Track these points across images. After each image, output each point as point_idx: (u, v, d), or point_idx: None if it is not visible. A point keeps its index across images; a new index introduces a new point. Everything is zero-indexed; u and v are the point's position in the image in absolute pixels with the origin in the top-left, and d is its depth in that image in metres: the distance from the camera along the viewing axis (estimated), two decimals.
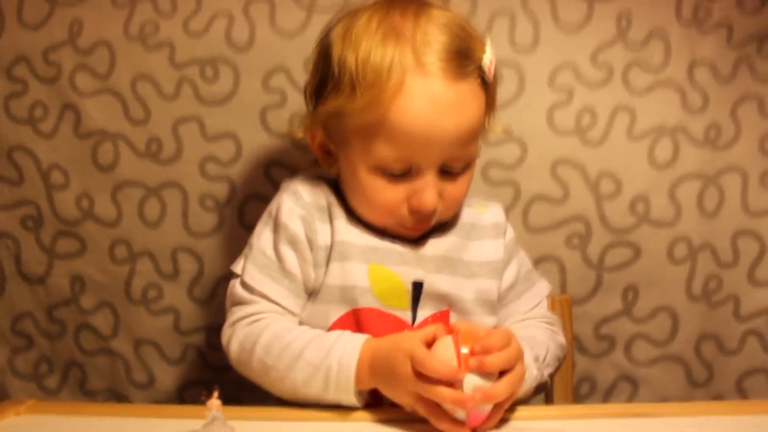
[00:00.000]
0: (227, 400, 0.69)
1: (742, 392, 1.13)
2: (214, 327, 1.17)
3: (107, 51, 1.13)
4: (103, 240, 1.16)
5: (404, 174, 0.83)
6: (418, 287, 0.85)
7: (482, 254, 0.89)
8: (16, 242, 1.18)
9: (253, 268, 0.85)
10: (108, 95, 1.14)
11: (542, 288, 0.95)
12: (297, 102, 1.11)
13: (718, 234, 1.12)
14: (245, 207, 1.14)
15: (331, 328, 0.83)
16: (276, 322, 0.82)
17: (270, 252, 0.86)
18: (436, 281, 0.86)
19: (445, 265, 0.87)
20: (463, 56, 0.81)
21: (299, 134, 0.90)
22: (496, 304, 0.89)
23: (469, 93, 0.81)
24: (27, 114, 1.15)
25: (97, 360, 1.18)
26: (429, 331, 0.74)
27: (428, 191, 0.82)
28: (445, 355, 0.70)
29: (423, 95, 0.79)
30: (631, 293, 1.13)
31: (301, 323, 0.85)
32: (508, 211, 1.12)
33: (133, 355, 1.17)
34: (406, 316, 0.85)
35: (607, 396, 1.15)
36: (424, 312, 0.86)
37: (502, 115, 1.09)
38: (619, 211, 1.12)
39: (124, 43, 1.13)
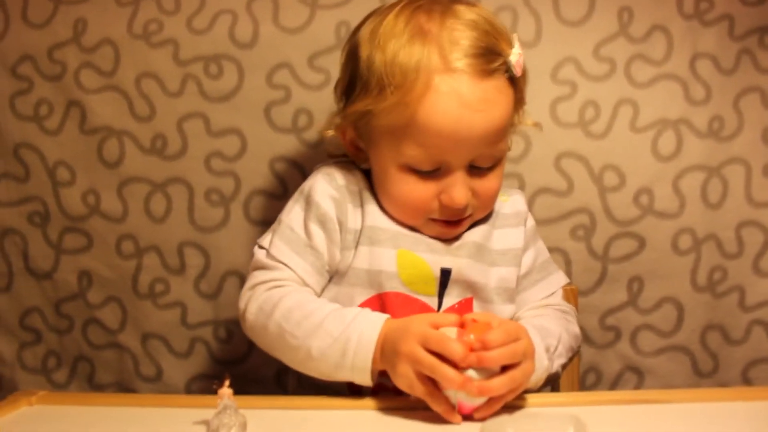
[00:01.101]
0: (234, 393, 0.70)
1: (747, 382, 1.14)
2: (220, 321, 1.17)
3: (112, 49, 1.14)
4: (110, 235, 1.16)
5: (434, 172, 0.83)
6: (446, 274, 0.86)
7: (504, 242, 0.90)
8: (23, 238, 1.18)
9: (280, 242, 0.86)
10: (113, 92, 1.15)
11: (558, 279, 0.95)
12: (301, 98, 1.13)
13: (723, 225, 1.13)
14: (250, 202, 1.15)
15: None
16: (298, 291, 0.82)
17: (298, 228, 0.86)
18: (464, 269, 0.86)
19: (474, 252, 0.87)
20: (490, 53, 0.81)
21: (330, 133, 0.91)
22: (514, 292, 0.90)
23: (496, 90, 0.81)
24: (32, 111, 1.16)
25: (105, 354, 1.19)
26: (440, 318, 0.74)
27: (458, 188, 0.83)
28: None
29: (450, 94, 0.79)
30: (636, 284, 1.14)
31: None
32: None
33: (140, 349, 1.18)
34: (432, 302, 0.86)
35: (613, 386, 1.15)
36: (450, 299, 0.86)
37: None
38: (624, 203, 1.13)
39: (128, 41, 1.14)
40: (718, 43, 1.11)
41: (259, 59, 1.13)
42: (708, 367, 1.15)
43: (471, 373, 0.70)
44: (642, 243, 1.13)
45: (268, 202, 1.14)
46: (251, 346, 1.16)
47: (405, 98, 0.79)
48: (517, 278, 0.90)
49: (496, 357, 0.70)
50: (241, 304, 0.84)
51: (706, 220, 1.13)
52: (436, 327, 0.73)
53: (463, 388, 0.69)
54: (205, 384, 1.17)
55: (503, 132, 0.84)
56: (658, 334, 1.15)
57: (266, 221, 1.13)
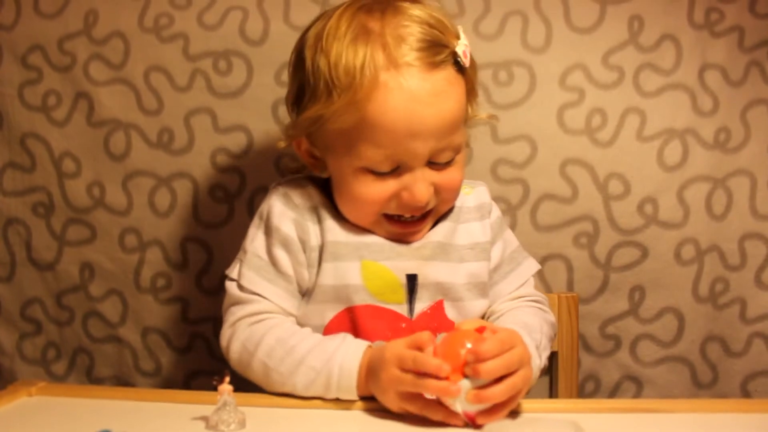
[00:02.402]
0: (234, 390, 0.70)
1: (746, 394, 1.13)
2: (221, 317, 1.16)
3: (122, 42, 1.14)
4: (114, 228, 1.17)
5: (392, 171, 0.82)
6: (412, 280, 0.85)
7: (470, 236, 0.89)
8: (27, 228, 1.18)
9: (249, 272, 0.85)
10: (121, 85, 1.15)
11: (528, 267, 0.94)
12: None
13: (726, 236, 1.13)
14: (255, 199, 1.15)
15: (327, 327, 0.84)
16: (280, 325, 0.82)
17: (264, 255, 0.86)
18: (430, 271, 0.85)
19: (439, 252, 0.86)
20: (435, 45, 0.80)
21: (282, 144, 0.90)
22: (486, 285, 0.89)
23: (445, 81, 0.81)
24: (41, 102, 1.16)
25: (105, 347, 1.19)
26: (416, 337, 0.74)
27: (419, 185, 0.82)
28: None
29: (399, 88, 0.78)
30: (637, 293, 1.14)
31: (297, 323, 0.85)
32: (516, 209, 1.12)
33: (140, 344, 1.18)
34: (402, 309, 0.85)
35: (612, 395, 1.15)
36: (421, 304, 0.86)
37: (513, 113, 1.11)
38: (627, 211, 1.13)
39: (138, 34, 1.14)
40: (728, 54, 1.11)
41: (268, 57, 1.13)
42: (707, 379, 1.15)
43: (466, 381, 0.69)
44: (645, 252, 1.13)
45: None
46: None
47: (354, 99, 0.78)
48: (488, 272, 0.89)
49: (491, 369, 0.69)
50: (223, 342, 0.84)
51: (710, 231, 1.13)
52: (415, 346, 0.73)
53: (449, 394, 0.69)
54: (203, 380, 1.17)
55: (457, 123, 0.83)
56: (658, 344, 1.15)
57: None
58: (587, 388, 1.16)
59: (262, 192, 1.14)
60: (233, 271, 0.86)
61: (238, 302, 0.84)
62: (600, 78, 1.12)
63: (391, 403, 0.73)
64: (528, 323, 0.84)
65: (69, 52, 1.15)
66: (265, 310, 0.83)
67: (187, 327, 1.18)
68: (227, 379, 0.70)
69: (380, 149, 0.80)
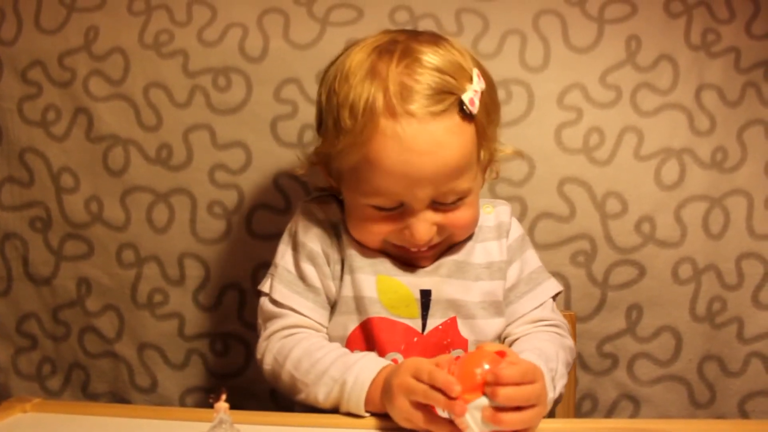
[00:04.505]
0: (230, 407, 0.69)
1: (744, 414, 1.13)
2: (218, 334, 1.17)
3: (121, 57, 1.15)
4: (111, 243, 1.17)
5: (397, 208, 0.84)
6: (426, 295, 0.87)
7: (486, 255, 0.90)
8: (24, 243, 1.18)
9: (280, 285, 0.88)
10: (121, 101, 1.15)
11: (548, 288, 0.93)
12: (308, 113, 1.12)
13: (723, 256, 1.13)
14: (253, 215, 1.15)
15: (348, 338, 0.86)
16: (308, 339, 0.84)
17: (292, 269, 0.89)
18: (444, 288, 0.87)
19: (455, 270, 0.88)
20: (439, 93, 0.80)
21: (299, 171, 0.93)
22: (502, 304, 0.89)
23: (446, 131, 0.80)
24: (40, 117, 1.16)
25: (101, 363, 1.18)
26: (439, 357, 0.74)
27: (419, 225, 0.83)
28: None
29: (395, 137, 0.79)
30: (635, 312, 1.14)
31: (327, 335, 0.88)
32: None
33: (136, 359, 1.17)
34: (416, 324, 0.87)
35: (609, 414, 1.15)
36: (434, 320, 0.87)
37: (510, 132, 1.11)
38: (625, 230, 1.13)
39: (138, 51, 1.15)
40: (724, 74, 1.12)
41: (267, 73, 1.13)
42: (705, 398, 1.14)
43: (483, 399, 0.69)
44: (642, 271, 1.13)
45: (271, 216, 1.14)
46: (247, 359, 1.16)
47: (356, 141, 0.80)
48: (503, 291, 0.90)
49: (509, 395, 0.68)
50: (258, 355, 0.87)
51: (707, 251, 1.13)
52: (435, 363, 0.73)
53: (453, 411, 0.69)
54: (199, 396, 1.17)
55: (460, 170, 0.82)
56: (655, 362, 1.14)
57: (268, 235, 1.13)
58: (584, 406, 1.16)
59: (259, 208, 1.15)
60: (265, 285, 0.90)
61: (271, 317, 0.87)
62: (598, 97, 1.13)
63: (398, 411, 0.72)
64: (544, 350, 0.83)
65: (69, 68, 1.15)
66: (297, 324, 0.86)
67: (183, 343, 1.17)
68: (223, 396, 0.69)
69: (380, 191, 0.82)
